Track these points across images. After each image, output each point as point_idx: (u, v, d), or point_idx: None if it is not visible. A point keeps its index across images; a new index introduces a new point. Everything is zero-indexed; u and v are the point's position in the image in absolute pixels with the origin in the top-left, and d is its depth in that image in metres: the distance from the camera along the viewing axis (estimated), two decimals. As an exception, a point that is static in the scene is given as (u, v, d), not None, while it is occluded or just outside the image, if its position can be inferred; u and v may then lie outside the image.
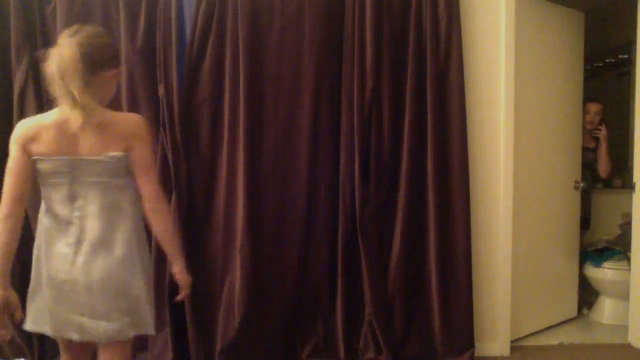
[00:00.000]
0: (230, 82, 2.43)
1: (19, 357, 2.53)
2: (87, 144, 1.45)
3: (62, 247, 1.48)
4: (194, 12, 2.43)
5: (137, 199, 1.53)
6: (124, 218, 1.50)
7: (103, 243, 1.47)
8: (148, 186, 1.50)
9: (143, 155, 1.49)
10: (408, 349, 2.57)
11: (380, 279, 2.55)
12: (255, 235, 2.44)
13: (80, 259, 1.46)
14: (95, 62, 1.44)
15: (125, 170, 1.50)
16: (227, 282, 2.48)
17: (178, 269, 1.62)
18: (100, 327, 1.47)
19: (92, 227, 1.47)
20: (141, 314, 1.53)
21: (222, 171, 2.47)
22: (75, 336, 1.49)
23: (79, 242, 1.47)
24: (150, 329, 1.57)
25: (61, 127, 1.44)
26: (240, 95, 2.41)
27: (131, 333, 1.52)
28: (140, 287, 1.52)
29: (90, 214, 1.47)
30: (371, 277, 2.50)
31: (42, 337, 2.54)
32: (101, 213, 1.47)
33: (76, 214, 1.48)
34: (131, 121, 1.52)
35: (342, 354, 2.52)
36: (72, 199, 1.48)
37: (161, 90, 2.41)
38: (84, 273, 1.45)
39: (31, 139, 1.45)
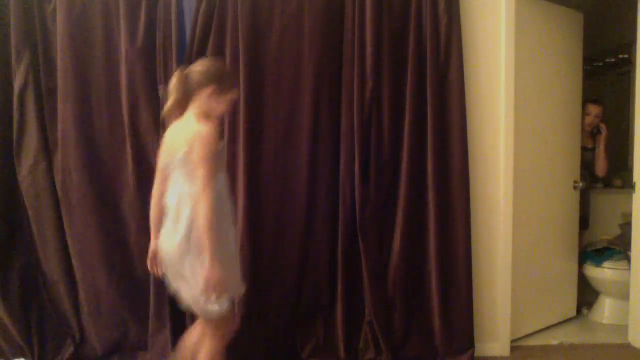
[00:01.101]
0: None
1: (19, 357, 2.53)
2: (173, 144, 1.83)
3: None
4: (194, 12, 2.44)
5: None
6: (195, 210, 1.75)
7: (174, 223, 1.81)
8: (196, 184, 1.73)
9: (194, 156, 1.73)
10: (408, 349, 2.57)
11: (380, 279, 2.55)
12: (255, 235, 2.44)
13: (163, 232, 1.86)
14: (193, 82, 1.84)
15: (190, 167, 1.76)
16: (227, 282, 2.48)
17: (204, 265, 1.70)
18: (184, 291, 1.82)
19: (170, 210, 1.83)
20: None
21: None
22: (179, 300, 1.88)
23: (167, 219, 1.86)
24: (207, 307, 1.77)
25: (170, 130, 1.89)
26: (240, 95, 2.41)
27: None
28: (186, 268, 1.76)
29: (170, 200, 1.85)
30: (371, 277, 2.50)
31: (42, 337, 2.54)
32: (177, 200, 1.80)
33: (168, 199, 1.86)
34: (193, 129, 1.78)
35: (342, 354, 2.52)
36: (169, 186, 1.87)
37: (161, 90, 2.41)
38: (166, 243, 1.82)
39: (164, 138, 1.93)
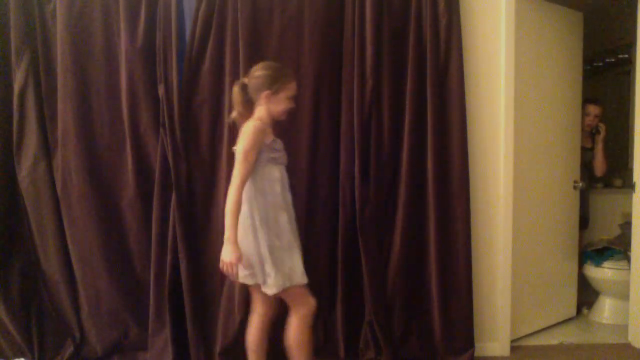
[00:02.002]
0: (230, 82, 2.42)
1: (19, 357, 2.53)
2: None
3: None
4: (194, 12, 2.44)
5: (254, 183, 1.90)
6: (244, 196, 1.89)
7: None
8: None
9: (238, 148, 1.87)
10: (408, 349, 2.57)
11: (380, 279, 2.55)
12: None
13: None
14: (250, 91, 1.99)
15: None
16: (227, 282, 2.48)
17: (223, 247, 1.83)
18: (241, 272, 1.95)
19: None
20: (253, 268, 1.91)
21: (222, 171, 2.47)
22: None
23: None
24: (265, 287, 1.92)
25: None
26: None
27: (250, 282, 1.98)
28: (248, 246, 1.89)
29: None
30: (371, 277, 2.50)
31: (42, 337, 2.54)
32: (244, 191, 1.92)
33: None
34: (244, 125, 1.93)
35: (342, 354, 2.52)
36: None
37: (161, 90, 2.41)
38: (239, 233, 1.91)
39: None
